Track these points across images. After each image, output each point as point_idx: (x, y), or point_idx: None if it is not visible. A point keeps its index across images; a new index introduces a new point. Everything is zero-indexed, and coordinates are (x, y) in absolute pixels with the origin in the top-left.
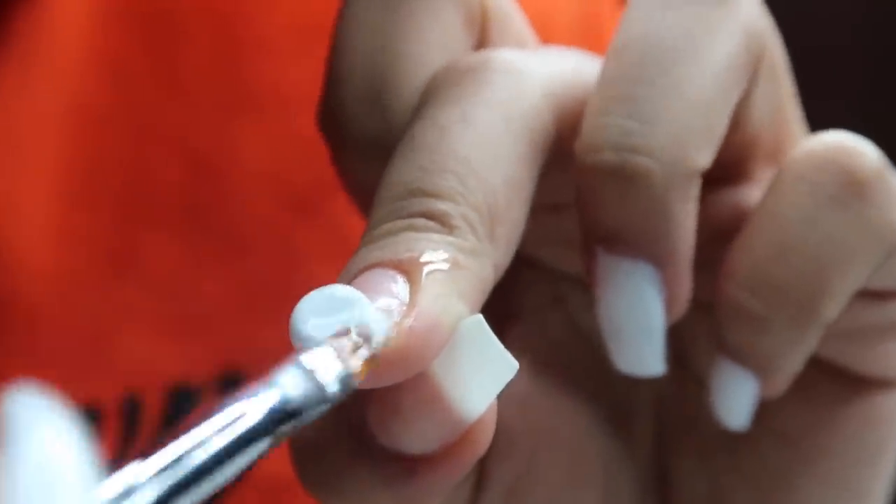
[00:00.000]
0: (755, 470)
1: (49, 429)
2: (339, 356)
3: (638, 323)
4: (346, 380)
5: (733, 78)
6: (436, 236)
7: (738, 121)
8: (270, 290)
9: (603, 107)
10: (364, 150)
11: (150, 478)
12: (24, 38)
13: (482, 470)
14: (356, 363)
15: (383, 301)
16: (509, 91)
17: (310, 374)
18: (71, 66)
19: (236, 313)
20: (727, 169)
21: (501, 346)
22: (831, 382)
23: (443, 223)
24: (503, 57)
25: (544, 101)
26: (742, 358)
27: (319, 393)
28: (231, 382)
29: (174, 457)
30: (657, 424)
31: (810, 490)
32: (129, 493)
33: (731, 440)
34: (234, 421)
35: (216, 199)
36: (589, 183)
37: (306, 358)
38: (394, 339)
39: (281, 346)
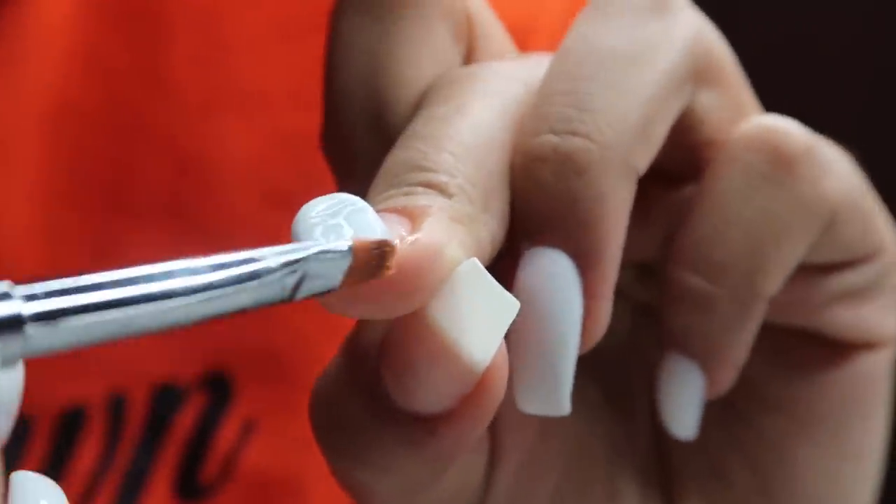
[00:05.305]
0: (751, 443)
1: None
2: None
3: (551, 332)
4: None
5: (672, 85)
6: (435, 197)
7: (689, 125)
8: None
9: (545, 99)
10: (370, 172)
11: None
12: (9, 36)
13: (495, 442)
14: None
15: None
16: (499, 88)
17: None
18: (55, 64)
19: None
20: (689, 170)
21: (500, 287)
22: (815, 349)
23: (441, 191)
24: (491, 64)
25: (530, 98)
26: (687, 343)
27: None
28: (217, 383)
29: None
30: (652, 407)
31: (807, 458)
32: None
33: (725, 416)
34: None
35: (201, 195)
36: (525, 168)
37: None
38: (398, 250)
39: (266, 346)
